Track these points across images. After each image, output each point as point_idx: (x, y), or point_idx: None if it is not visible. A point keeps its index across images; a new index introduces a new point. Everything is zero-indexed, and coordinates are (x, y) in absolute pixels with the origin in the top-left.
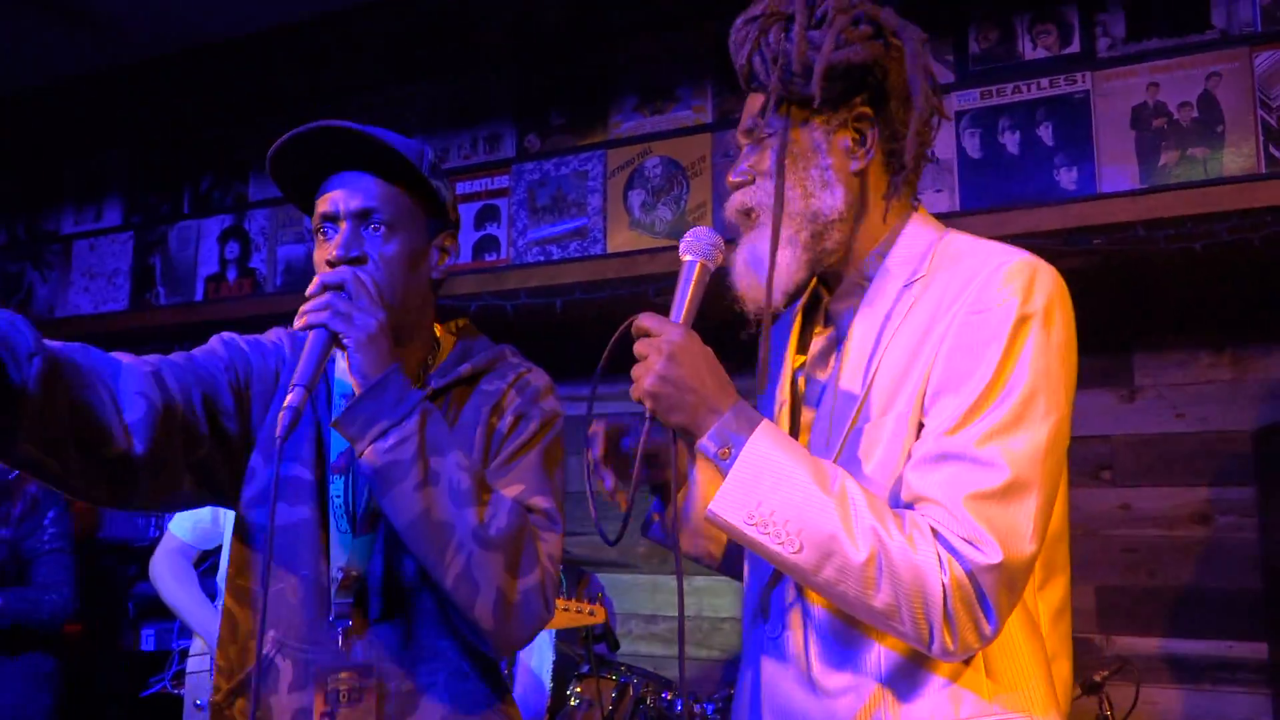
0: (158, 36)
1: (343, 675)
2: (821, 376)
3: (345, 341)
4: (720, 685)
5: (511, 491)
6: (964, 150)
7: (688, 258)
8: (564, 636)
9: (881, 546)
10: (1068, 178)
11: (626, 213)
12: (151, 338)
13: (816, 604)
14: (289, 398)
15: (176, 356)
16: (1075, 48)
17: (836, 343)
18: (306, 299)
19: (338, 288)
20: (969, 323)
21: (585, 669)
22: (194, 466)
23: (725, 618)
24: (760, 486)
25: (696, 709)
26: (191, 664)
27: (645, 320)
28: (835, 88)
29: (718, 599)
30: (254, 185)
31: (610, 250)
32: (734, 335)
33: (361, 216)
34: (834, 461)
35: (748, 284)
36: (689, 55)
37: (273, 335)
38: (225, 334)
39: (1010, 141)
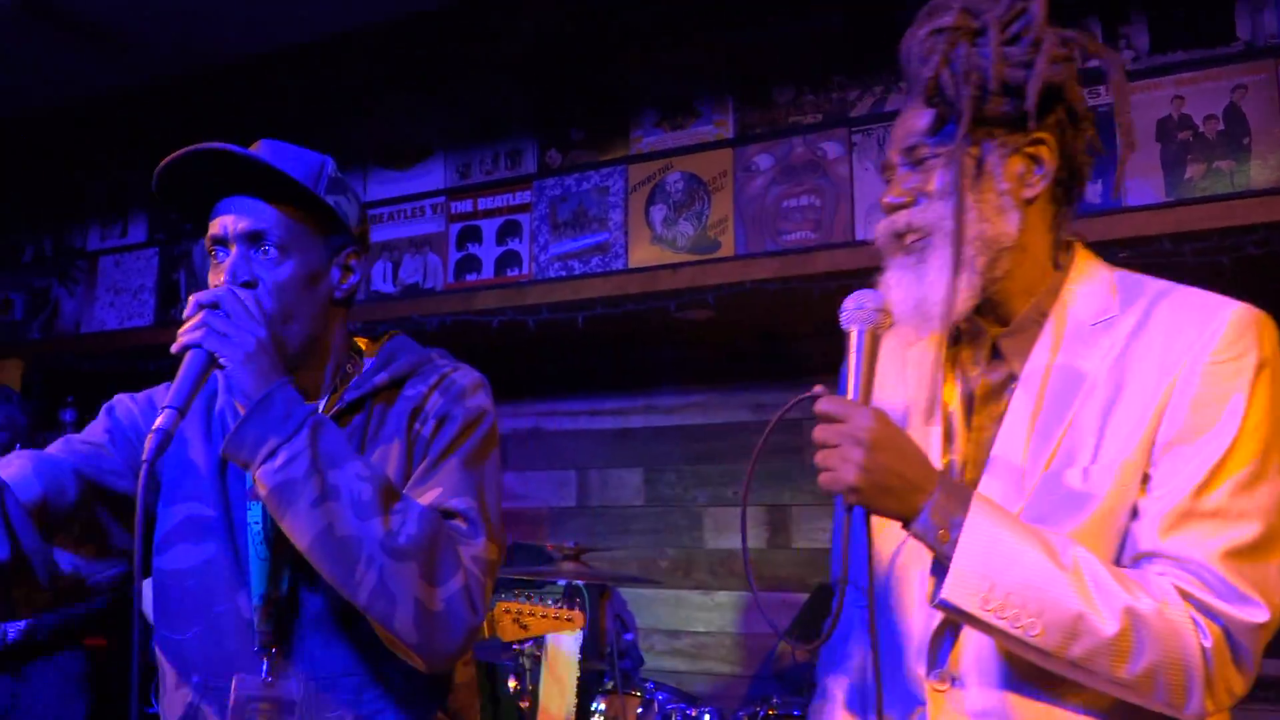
0: (178, 56)
1: (263, 707)
2: (990, 415)
3: (222, 361)
4: (746, 702)
5: (428, 496)
6: None
7: (853, 329)
8: (588, 652)
9: (1134, 618)
10: (1092, 191)
11: (648, 228)
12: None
13: (1015, 663)
14: (159, 420)
15: (54, 445)
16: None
17: (1010, 380)
18: (182, 321)
19: (213, 306)
20: (1209, 373)
21: (610, 684)
22: (83, 537)
23: (748, 634)
24: (991, 568)
25: None
26: None
27: (827, 405)
28: (1033, 107)
29: (742, 616)
30: None
31: (632, 265)
32: (777, 347)
33: (251, 239)
34: (1020, 511)
35: (906, 310)
36: (709, 70)
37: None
38: (115, 398)
39: None
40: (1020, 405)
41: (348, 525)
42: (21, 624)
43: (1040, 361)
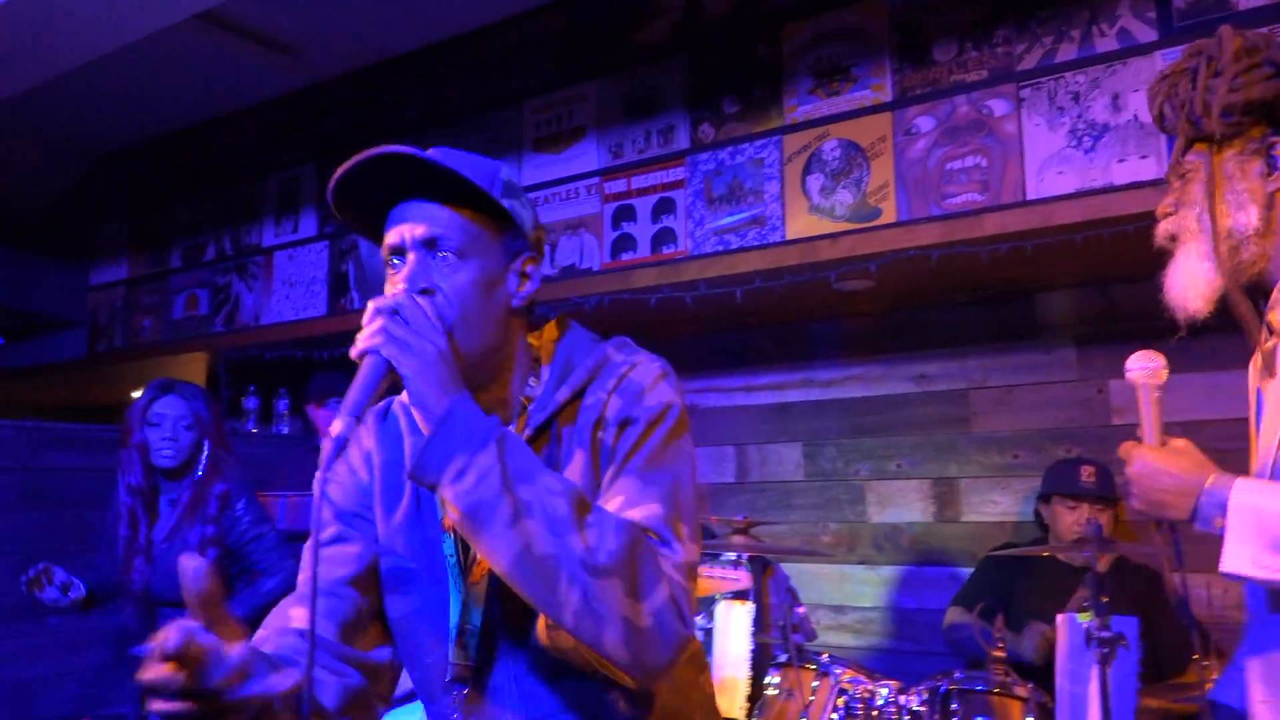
0: (342, 55)
1: None
2: (1266, 384)
3: (401, 370)
4: (924, 677)
5: (615, 505)
6: None
7: (1139, 384)
8: (760, 626)
9: None
10: None
11: (805, 198)
12: (348, 341)
13: None
14: (335, 425)
15: (331, 556)
16: None
17: (1276, 349)
18: (361, 328)
19: (393, 312)
20: None
21: (783, 658)
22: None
23: (916, 609)
24: (1253, 535)
25: (903, 700)
26: None
27: (1121, 452)
28: (1234, 122)
29: (909, 591)
30: None
31: (789, 237)
32: (940, 316)
33: (428, 245)
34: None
35: (1174, 296)
36: (865, 32)
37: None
38: (319, 483)
39: None
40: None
41: (546, 543)
42: None
43: None
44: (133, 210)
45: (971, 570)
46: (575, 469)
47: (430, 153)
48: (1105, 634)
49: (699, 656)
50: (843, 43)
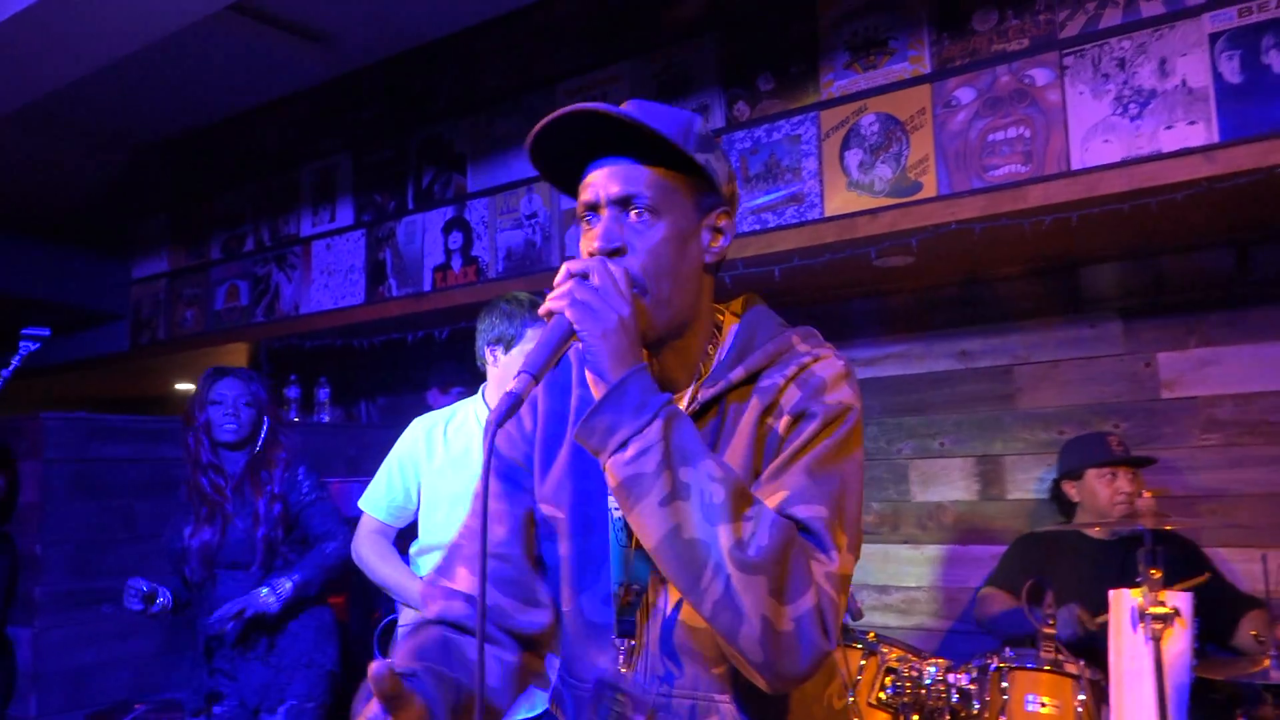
0: (371, 43)
1: (619, 697)
2: None
3: (580, 334)
4: (966, 657)
5: (775, 499)
6: (1220, 75)
7: None
8: None
9: None
10: None
11: (843, 174)
12: (386, 328)
13: None
14: (513, 383)
15: (491, 516)
16: None
17: None
18: (553, 288)
19: (583, 276)
20: None
21: None
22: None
23: (960, 588)
24: None
25: (952, 679)
26: (401, 633)
27: None
28: None
29: (953, 570)
30: (472, 176)
31: (828, 214)
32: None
33: (622, 203)
34: None
35: None
36: (902, 3)
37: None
38: (488, 436)
39: (1276, 62)
40: None
41: (696, 528)
42: (289, 587)
43: None
44: (173, 203)
45: None
46: (737, 451)
47: (625, 108)
48: (1158, 609)
49: (832, 667)
50: (879, 15)
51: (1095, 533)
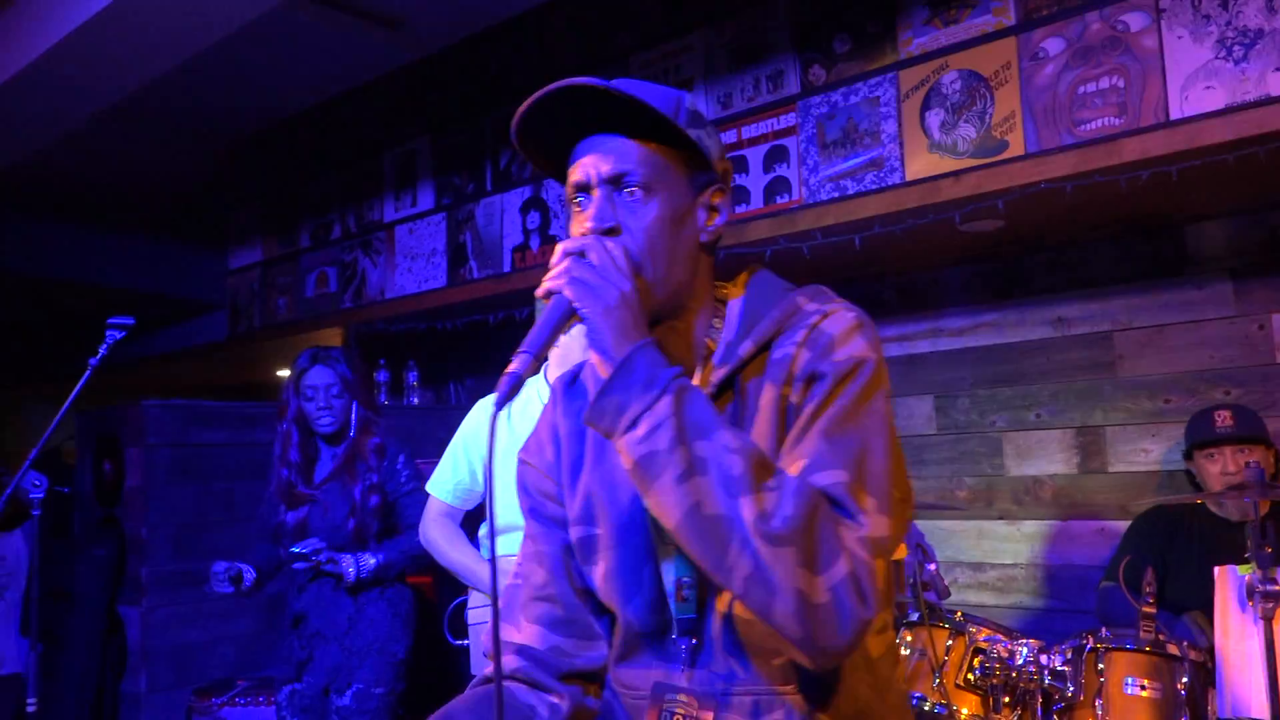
0: (445, 26)
1: (681, 699)
2: None
3: (581, 312)
4: (1062, 636)
5: (793, 469)
6: None
7: None
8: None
9: None
10: None
11: (925, 135)
12: (469, 310)
13: None
14: (512, 364)
15: (530, 559)
16: None
17: None
18: (549, 269)
19: (579, 254)
20: None
21: (915, 616)
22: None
23: (1061, 565)
24: None
25: (1045, 660)
26: (472, 616)
27: None
28: None
29: (1053, 546)
30: None
31: (909, 178)
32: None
33: (614, 182)
34: None
35: None
36: None
37: (540, 418)
38: (519, 467)
39: None
40: None
41: (717, 503)
42: (372, 564)
43: None
44: (264, 194)
45: (1121, 524)
46: (761, 428)
47: (613, 83)
48: (1269, 587)
49: (895, 651)
50: None
51: (1223, 512)
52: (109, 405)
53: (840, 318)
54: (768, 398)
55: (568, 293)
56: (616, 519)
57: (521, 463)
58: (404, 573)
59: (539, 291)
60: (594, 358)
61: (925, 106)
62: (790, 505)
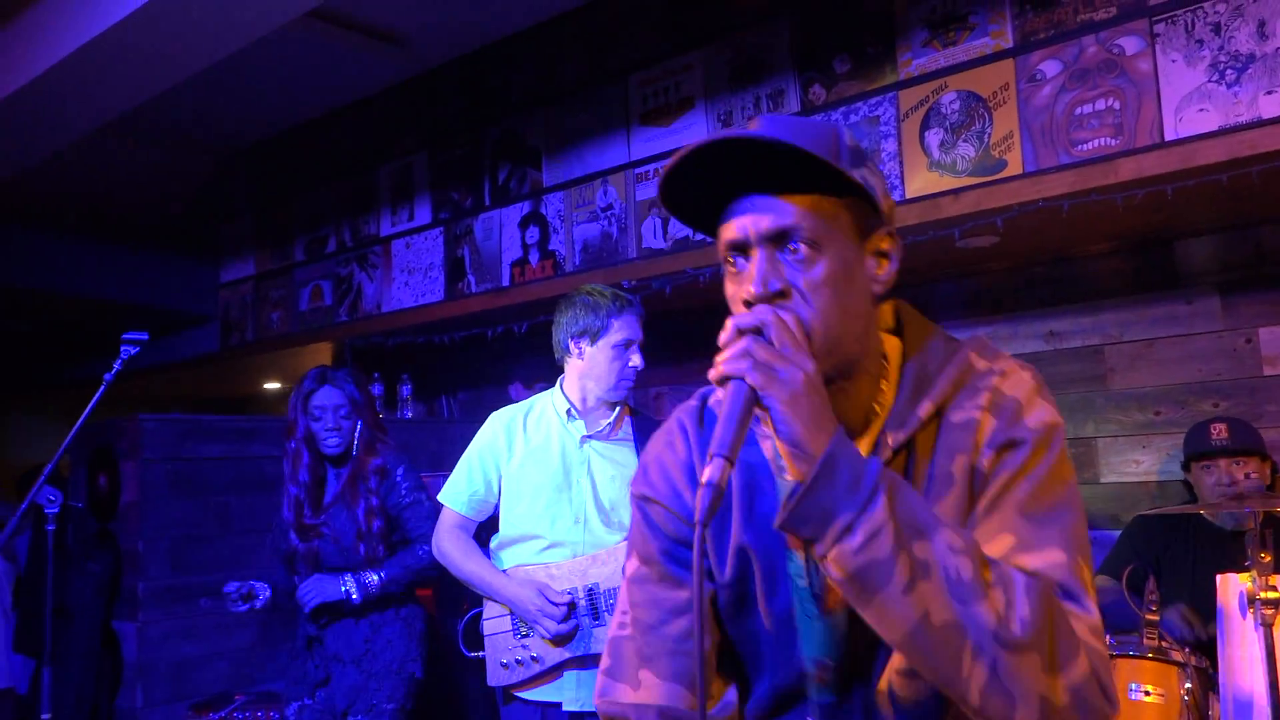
0: (445, 43)
1: None
2: None
3: (766, 400)
4: None
5: (998, 548)
6: None
7: None
8: None
9: None
10: None
11: (924, 154)
12: (466, 324)
13: None
14: (707, 471)
15: (655, 607)
16: None
17: None
18: (720, 348)
19: (755, 331)
20: None
21: None
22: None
23: None
24: None
25: None
26: (487, 626)
27: None
28: None
29: None
30: (546, 171)
31: (909, 195)
32: (1070, 269)
33: (776, 241)
34: None
35: None
36: None
37: (661, 443)
38: (638, 495)
39: None
40: None
41: (948, 610)
42: (376, 581)
43: None
44: (257, 208)
45: (1113, 534)
46: (947, 499)
47: (763, 129)
48: (1268, 595)
49: None
50: None
51: (1216, 520)
52: (103, 418)
53: (1020, 379)
54: (958, 466)
55: (750, 379)
56: (769, 583)
57: (642, 499)
58: (413, 588)
59: (713, 375)
60: (781, 448)
61: (925, 126)
62: (1026, 606)
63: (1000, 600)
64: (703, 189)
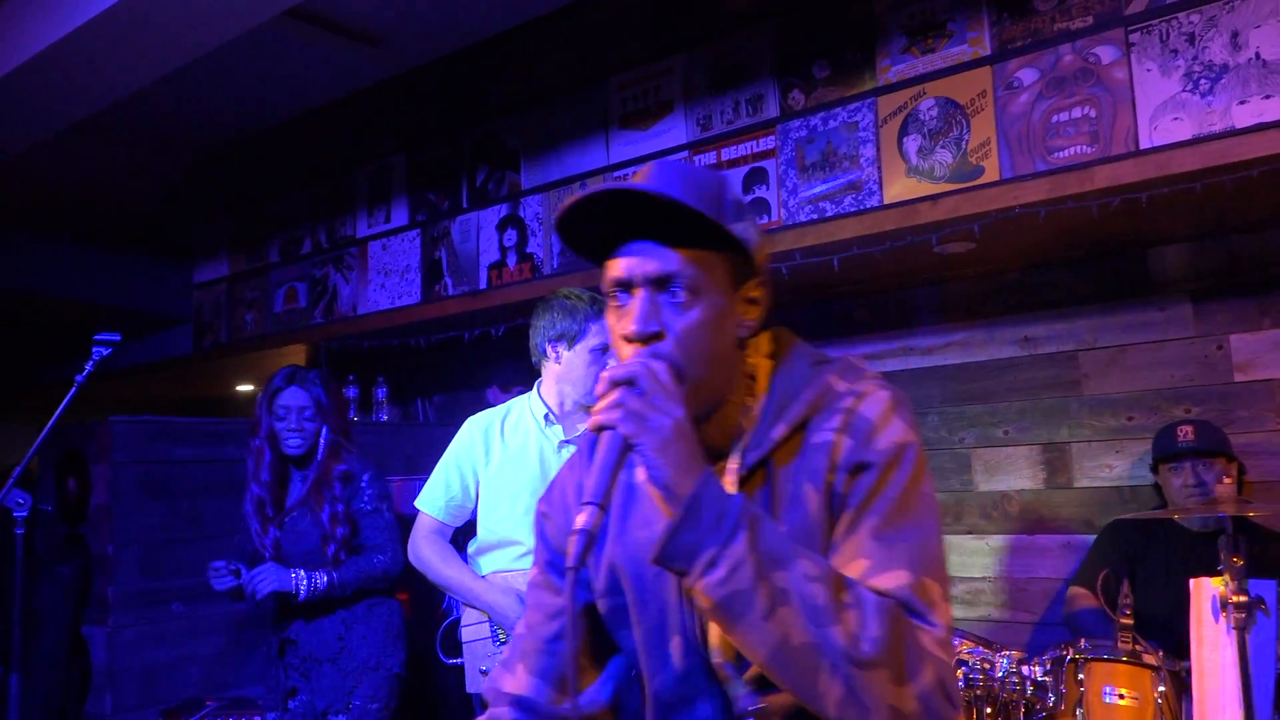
0: (425, 44)
1: None
2: None
3: (638, 448)
4: (1036, 649)
5: (854, 571)
6: None
7: None
8: None
9: None
10: None
11: (902, 160)
12: (444, 327)
13: None
14: (580, 518)
15: (539, 609)
16: None
17: None
18: (598, 397)
19: (628, 383)
20: None
21: None
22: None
23: (1027, 578)
24: None
25: (1026, 671)
26: (466, 633)
27: None
28: None
29: (1020, 560)
30: (525, 173)
31: (887, 201)
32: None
33: (658, 284)
34: None
35: None
36: None
37: (568, 464)
38: (538, 514)
39: None
40: None
41: (805, 633)
42: (323, 583)
43: None
44: (231, 208)
45: (1086, 538)
46: (802, 514)
47: (654, 181)
48: (1241, 599)
49: None
50: None
51: (1187, 524)
52: (73, 420)
53: (875, 399)
54: (816, 486)
55: (622, 430)
56: (640, 593)
57: (542, 515)
58: (359, 595)
59: (589, 425)
60: (653, 492)
61: (903, 132)
62: (875, 625)
63: (853, 622)
64: (595, 226)
